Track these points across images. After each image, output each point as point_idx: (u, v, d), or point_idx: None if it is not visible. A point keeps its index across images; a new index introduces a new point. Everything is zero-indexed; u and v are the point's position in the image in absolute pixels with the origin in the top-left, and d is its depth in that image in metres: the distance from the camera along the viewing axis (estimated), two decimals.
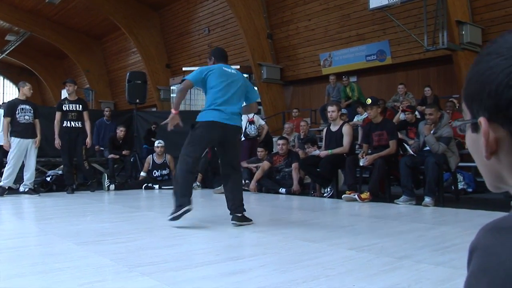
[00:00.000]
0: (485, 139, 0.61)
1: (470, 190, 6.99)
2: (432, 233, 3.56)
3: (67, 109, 7.42)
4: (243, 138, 7.16)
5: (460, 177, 6.83)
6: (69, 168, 7.52)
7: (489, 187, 0.68)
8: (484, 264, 0.53)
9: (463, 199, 6.11)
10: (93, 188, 7.76)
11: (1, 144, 9.43)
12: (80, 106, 7.51)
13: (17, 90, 30.22)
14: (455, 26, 9.35)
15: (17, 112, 7.03)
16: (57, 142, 7.34)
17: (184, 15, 17.30)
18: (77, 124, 7.44)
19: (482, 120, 0.61)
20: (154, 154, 8.74)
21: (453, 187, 6.22)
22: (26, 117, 7.08)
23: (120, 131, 9.19)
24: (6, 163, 7.08)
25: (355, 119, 9.36)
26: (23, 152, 7.05)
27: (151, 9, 18.25)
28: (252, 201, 6.44)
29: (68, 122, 7.40)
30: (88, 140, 7.49)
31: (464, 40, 9.42)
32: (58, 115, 7.42)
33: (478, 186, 7.15)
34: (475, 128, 0.64)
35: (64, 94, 7.72)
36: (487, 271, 0.52)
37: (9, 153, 6.98)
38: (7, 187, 7.00)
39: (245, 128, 8.07)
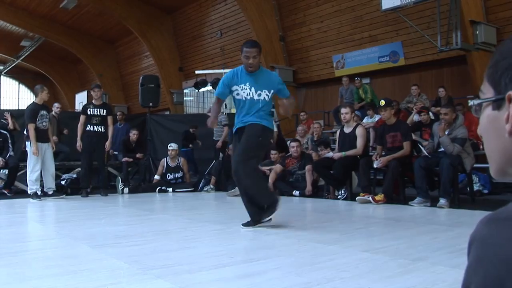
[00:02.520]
0: None
1: (485, 191, 6.91)
2: (448, 235, 3.52)
3: (92, 113, 7.46)
4: None
5: (475, 178, 6.76)
6: (86, 171, 7.56)
7: (495, 173, 0.66)
8: (480, 255, 0.54)
9: (478, 201, 6.04)
10: (106, 192, 7.75)
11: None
12: (105, 111, 7.55)
13: (31, 94, 30.72)
14: (469, 26, 9.25)
15: (37, 119, 6.97)
16: (79, 144, 7.38)
17: (197, 19, 17.36)
18: (100, 129, 7.48)
19: None
20: (167, 157, 8.76)
21: (468, 189, 6.16)
22: (44, 123, 7.08)
23: (133, 135, 9.24)
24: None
25: (364, 120, 9.29)
26: (41, 156, 7.09)
27: (163, 13, 18.35)
28: None
29: (92, 126, 7.45)
30: (107, 143, 7.52)
31: (478, 40, 9.31)
32: (82, 118, 7.49)
33: (494, 187, 7.06)
34: (498, 105, 0.61)
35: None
36: (483, 261, 0.53)
37: (28, 159, 6.95)
38: (39, 192, 7.02)
39: None
